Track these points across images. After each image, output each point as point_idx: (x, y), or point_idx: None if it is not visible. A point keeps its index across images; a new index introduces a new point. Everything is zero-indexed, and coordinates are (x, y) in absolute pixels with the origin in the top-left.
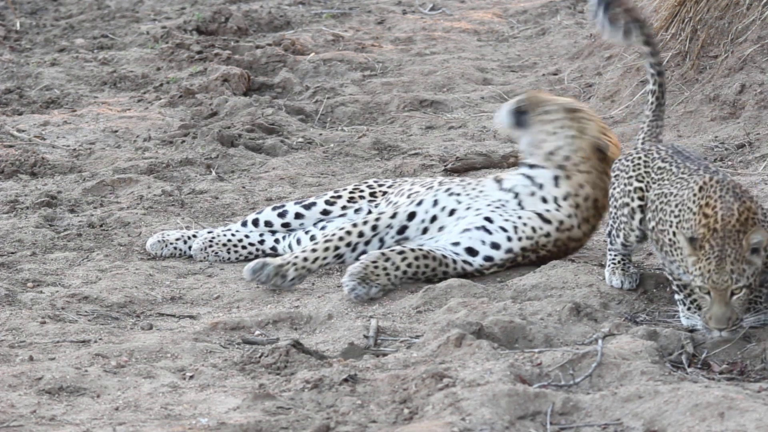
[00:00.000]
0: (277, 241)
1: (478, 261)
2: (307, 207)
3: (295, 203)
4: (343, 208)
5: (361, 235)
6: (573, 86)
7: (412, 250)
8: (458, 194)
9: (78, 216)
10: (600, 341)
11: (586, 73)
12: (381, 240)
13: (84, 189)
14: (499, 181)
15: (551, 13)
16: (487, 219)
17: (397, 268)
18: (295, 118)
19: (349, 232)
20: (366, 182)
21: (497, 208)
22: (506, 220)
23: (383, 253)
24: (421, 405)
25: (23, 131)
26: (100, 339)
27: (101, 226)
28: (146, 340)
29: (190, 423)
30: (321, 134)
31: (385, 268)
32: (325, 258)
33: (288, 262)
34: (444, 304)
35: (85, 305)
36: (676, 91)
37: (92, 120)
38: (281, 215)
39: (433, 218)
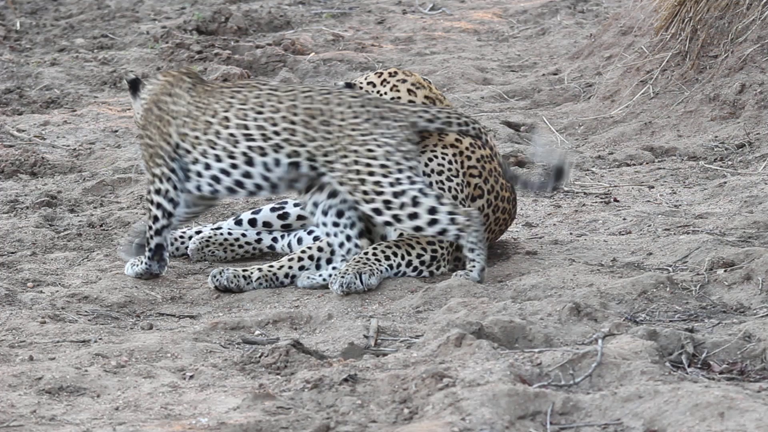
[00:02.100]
0: (275, 240)
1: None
2: None
3: (295, 205)
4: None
5: (320, 249)
6: (573, 86)
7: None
8: None
9: (78, 216)
10: (600, 341)
11: (586, 73)
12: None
13: (84, 189)
14: None
15: (551, 13)
16: None
17: (368, 259)
18: None
19: (310, 247)
20: None
21: None
22: None
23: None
24: (421, 405)
25: (23, 131)
26: (100, 339)
27: (101, 225)
28: (146, 340)
29: (190, 423)
30: None
31: (358, 261)
32: (290, 267)
33: (254, 267)
34: (444, 303)
35: (85, 305)
36: (676, 91)
37: (92, 120)
38: (282, 217)
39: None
